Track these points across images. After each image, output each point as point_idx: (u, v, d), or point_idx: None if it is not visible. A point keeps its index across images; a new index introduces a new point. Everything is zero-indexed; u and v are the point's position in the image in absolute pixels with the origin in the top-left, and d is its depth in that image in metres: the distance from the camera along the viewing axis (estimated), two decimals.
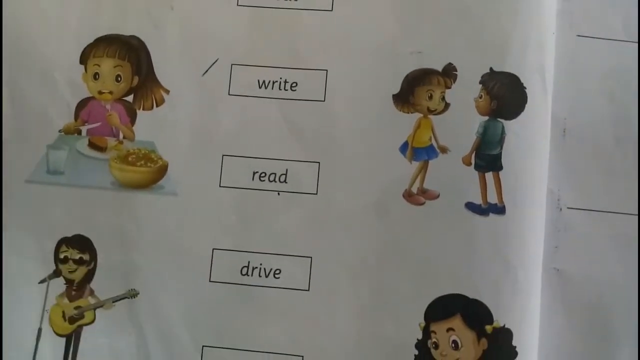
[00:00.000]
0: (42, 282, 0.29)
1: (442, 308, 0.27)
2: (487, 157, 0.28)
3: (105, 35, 0.30)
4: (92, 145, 0.30)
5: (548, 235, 0.28)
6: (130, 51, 0.30)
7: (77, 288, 0.29)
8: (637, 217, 0.29)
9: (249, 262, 0.29)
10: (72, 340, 0.29)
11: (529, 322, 0.27)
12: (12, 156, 0.30)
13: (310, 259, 0.29)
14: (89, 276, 0.29)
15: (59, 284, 0.29)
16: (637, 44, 0.30)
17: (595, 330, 0.28)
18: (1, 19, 0.30)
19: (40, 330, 0.29)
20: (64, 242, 0.29)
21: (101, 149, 0.30)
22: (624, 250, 0.29)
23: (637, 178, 0.29)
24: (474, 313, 0.27)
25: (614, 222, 0.29)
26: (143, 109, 0.30)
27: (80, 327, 0.29)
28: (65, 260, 0.29)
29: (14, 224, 0.29)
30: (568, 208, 0.29)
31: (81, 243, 0.29)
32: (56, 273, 0.29)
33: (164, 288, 0.28)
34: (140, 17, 0.30)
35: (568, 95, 0.29)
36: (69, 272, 0.29)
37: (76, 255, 0.29)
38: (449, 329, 0.27)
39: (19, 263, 0.29)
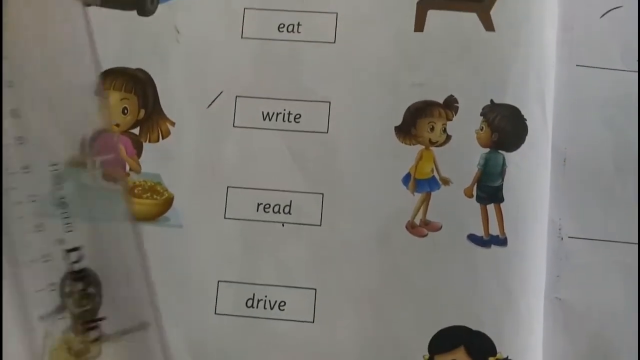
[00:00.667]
0: (47, 316, 0.30)
1: (446, 340, 0.28)
2: (489, 189, 0.29)
3: (112, 69, 0.31)
4: (106, 176, 0.30)
5: (550, 265, 0.29)
6: (136, 84, 0.31)
7: (83, 322, 0.29)
8: (637, 245, 0.29)
9: (254, 294, 0.29)
10: None
11: (532, 352, 0.28)
12: (19, 188, 0.30)
13: (314, 290, 0.29)
14: (95, 310, 0.30)
15: (64, 319, 0.30)
16: (636, 73, 0.31)
17: (597, 358, 0.29)
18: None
19: None
20: (70, 275, 0.30)
21: (115, 180, 0.30)
22: (625, 278, 0.29)
23: (638, 207, 0.30)
24: (478, 345, 0.27)
25: (615, 251, 0.29)
26: (149, 141, 0.30)
27: None
28: (71, 294, 0.30)
29: (19, 257, 0.30)
30: (569, 237, 0.30)
31: (86, 277, 0.30)
32: (62, 307, 0.30)
33: (171, 320, 0.29)
34: (146, 50, 0.31)
35: (568, 124, 0.30)
36: (75, 306, 0.30)
37: (81, 289, 0.30)
38: None
39: (23, 298, 0.30)
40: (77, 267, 0.29)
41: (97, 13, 0.31)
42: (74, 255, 0.29)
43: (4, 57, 0.29)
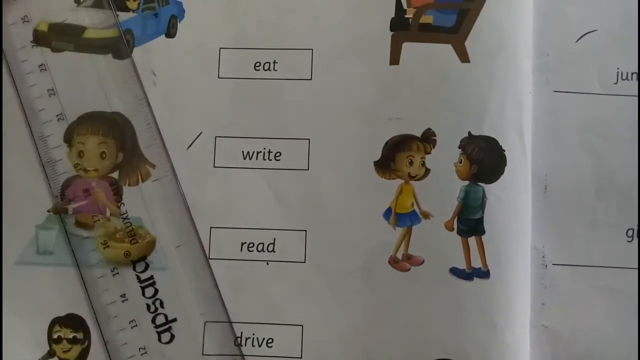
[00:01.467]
0: None
1: None
2: (469, 221, 0.29)
3: (89, 113, 0.31)
4: (78, 223, 0.31)
5: (534, 293, 0.29)
6: (114, 128, 0.31)
7: None
8: (621, 269, 0.30)
9: (242, 332, 0.30)
10: None
11: None
12: (1, 238, 0.31)
13: (301, 327, 0.30)
14: (84, 354, 0.30)
15: None
16: (613, 97, 0.31)
17: None
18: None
19: None
20: (57, 322, 0.30)
21: (88, 226, 0.31)
22: (610, 302, 0.30)
23: (620, 230, 0.30)
24: None
25: (599, 276, 0.30)
26: (129, 185, 0.31)
27: None
28: (59, 340, 0.30)
29: (5, 306, 0.30)
30: (553, 264, 0.30)
31: (74, 322, 0.30)
32: (50, 354, 0.30)
33: (166, 343, 0.30)
34: (123, 93, 0.31)
35: (548, 151, 0.30)
36: (63, 351, 0.30)
37: (70, 335, 0.30)
38: None
39: (11, 346, 0.30)
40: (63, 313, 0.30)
41: (72, 57, 0.31)
42: (59, 300, 0.30)
43: None
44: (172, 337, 0.30)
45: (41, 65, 0.31)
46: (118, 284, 0.30)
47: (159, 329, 0.30)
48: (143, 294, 0.30)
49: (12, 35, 0.31)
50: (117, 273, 0.30)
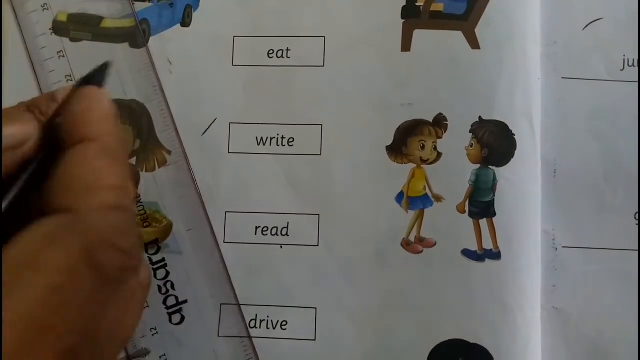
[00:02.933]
0: None
1: (444, 354, 0.29)
2: (480, 204, 0.30)
3: None
4: None
5: (545, 276, 0.30)
6: (131, 115, 0.32)
7: None
8: (630, 251, 0.31)
9: (256, 315, 0.31)
10: None
11: None
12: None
13: (315, 309, 0.30)
14: None
15: None
16: (619, 83, 0.32)
17: None
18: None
19: None
20: None
21: None
22: (619, 284, 0.30)
23: (628, 213, 0.31)
24: (476, 358, 0.29)
25: (609, 258, 0.31)
26: (146, 171, 0.32)
27: None
28: None
29: None
30: (563, 247, 0.31)
31: None
32: None
33: (175, 346, 0.30)
34: (139, 81, 0.32)
35: (556, 136, 0.31)
36: None
37: None
38: None
39: None
40: None
41: (90, 46, 0.32)
42: None
43: None
44: (183, 318, 0.31)
45: (59, 52, 0.32)
46: None
47: (170, 310, 0.31)
48: (155, 276, 0.31)
49: (32, 22, 0.32)
50: None
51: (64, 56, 0.32)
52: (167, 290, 0.31)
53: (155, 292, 0.31)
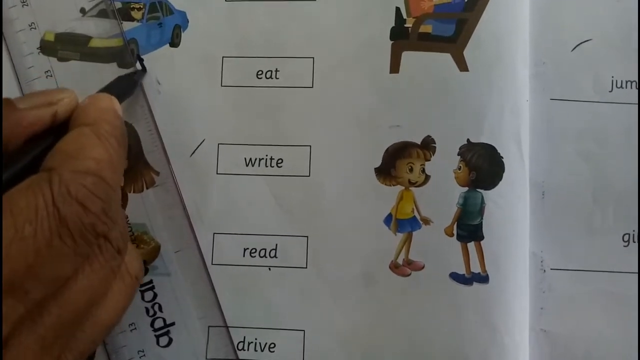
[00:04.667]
0: None
1: None
2: (468, 227, 0.30)
3: None
4: None
5: (533, 298, 0.31)
6: None
7: None
8: (619, 273, 0.31)
9: (244, 337, 0.31)
10: None
11: None
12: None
13: (303, 332, 0.31)
14: (90, 356, 0.31)
15: None
16: (608, 104, 0.32)
17: None
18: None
19: None
20: None
21: None
22: (607, 306, 0.31)
23: (617, 235, 0.31)
24: None
25: (597, 280, 0.31)
26: (134, 192, 0.32)
27: None
28: None
29: None
30: (552, 269, 0.31)
31: None
32: None
33: (164, 347, 0.31)
34: (127, 101, 0.32)
35: (545, 158, 0.32)
36: None
37: None
38: None
39: None
40: None
41: (77, 66, 0.33)
42: None
43: None
44: (170, 340, 0.31)
45: (47, 71, 0.33)
46: None
47: (158, 333, 0.31)
48: (142, 298, 0.31)
49: (20, 41, 0.32)
50: None
51: (51, 76, 0.32)
52: (155, 312, 0.31)
53: (143, 314, 0.31)
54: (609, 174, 0.32)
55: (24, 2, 0.33)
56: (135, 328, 0.31)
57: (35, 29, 0.33)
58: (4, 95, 0.31)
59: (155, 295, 0.31)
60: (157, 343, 0.31)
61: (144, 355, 0.31)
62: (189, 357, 0.31)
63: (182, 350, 0.31)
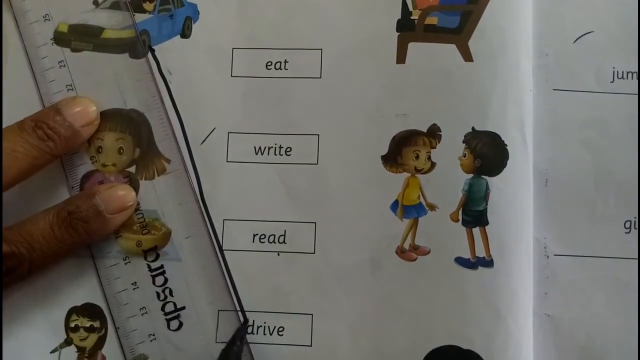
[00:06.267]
0: (54, 351, 0.32)
1: (438, 359, 0.30)
2: (473, 213, 0.31)
3: (106, 110, 0.33)
4: None
5: (537, 283, 0.32)
6: (131, 124, 0.33)
7: (89, 355, 0.32)
8: (620, 259, 0.32)
9: (253, 321, 0.32)
10: None
11: None
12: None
13: (311, 316, 0.32)
14: (100, 343, 0.32)
15: (71, 353, 0.32)
16: (610, 95, 0.33)
17: None
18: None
19: None
20: (74, 311, 0.32)
21: None
22: (609, 291, 0.32)
23: (618, 222, 0.32)
24: None
25: (599, 266, 0.32)
26: (145, 179, 0.33)
27: None
28: (76, 328, 0.32)
29: (24, 295, 0.32)
30: (555, 255, 0.32)
31: (91, 311, 0.32)
32: (67, 342, 0.32)
33: (173, 352, 0.32)
34: (139, 91, 0.34)
35: (548, 147, 0.33)
36: (80, 340, 0.32)
37: (87, 323, 0.32)
38: None
39: (30, 334, 0.32)
40: (80, 302, 0.32)
41: (90, 57, 0.34)
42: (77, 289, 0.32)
43: None
44: (181, 324, 0.32)
45: (60, 62, 0.34)
46: (129, 272, 0.32)
47: (168, 317, 0.32)
48: (153, 282, 0.32)
49: (34, 33, 0.34)
50: (129, 262, 0.32)
51: (64, 66, 0.34)
52: (166, 297, 0.32)
53: (154, 298, 0.32)
54: (610, 162, 0.33)
55: None
56: (147, 312, 0.32)
57: (49, 20, 0.34)
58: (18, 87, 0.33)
59: (166, 280, 0.32)
60: (168, 327, 0.32)
61: (155, 339, 0.32)
62: (200, 340, 0.32)
63: (192, 334, 0.32)
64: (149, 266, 0.32)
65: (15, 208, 0.32)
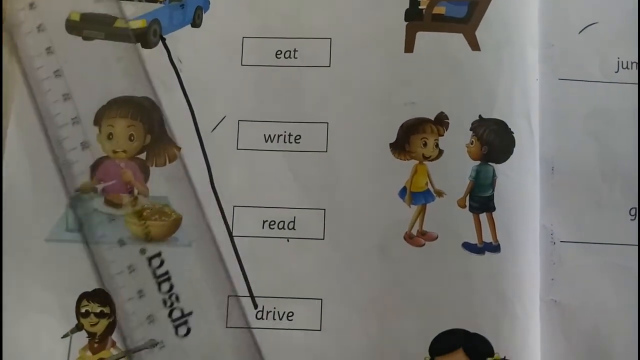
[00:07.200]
0: (64, 336, 0.32)
1: (445, 342, 0.31)
2: (480, 199, 0.32)
3: (118, 97, 0.34)
4: (108, 202, 0.34)
5: (544, 269, 0.32)
6: (142, 111, 0.34)
7: (99, 341, 0.32)
8: (626, 246, 0.33)
9: (263, 306, 0.33)
10: None
11: (530, 353, 0.31)
12: (31, 216, 0.33)
13: (320, 301, 0.32)
14: (110, 328, 0.32)
15: (81, 338, 0.32)
16: (614, 84, 0.34)
17: (594, 356, 0.32)
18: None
19: None
20: (85, 296, 0.33)
21: (117, 205, 0.33)
22: (615, 277, 0.33)
23: (624, 209, 0.33)
24: (476, 346, 0.30)
25: (605, 252, 0.33)
26: (156, 166, 0.34)
27: None
28: (87, 314, 0.33)
29: (36, 281, 0.33)
30: (561, 242, 0.33)
31: (101, 297, 0.33)
32: (78, 327, 0.33)
33: (183, 336, 0.32)
34: (151, 79, 0.34)
35: (554, 135, 0.34)
36: (91, 325, 0.32)
37: (97, 309, 0.33)
38: None
39: (41, 319, 0.33)
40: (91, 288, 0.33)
41: (103, 45, 0.35)
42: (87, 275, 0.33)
43: None
44: (189, 330, 0.32)
45: (56, 71, 0.34)
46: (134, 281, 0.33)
47: (176, 323, 0.32)
48: (159, 289, 0.32)
49: (29, 43, 0.34)
50: (134, 270, 0.33)
51: (60, 75, 0.34)
52: (172, 303, 0.32)
53: (161, 306, 0.32)
54: (615, 150, 0.34)
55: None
56: (143, 296, 0.33)
57: (43, 31, 0.34)
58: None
59: (172, 287, 0.33)
60: (176, 333, 0.32)
61: (164, 346, 0.32)
62: (210, 326, 0.32)
63: (203, 320, 0.32)
64: (154, 273, 0.33)
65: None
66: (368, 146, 0.33)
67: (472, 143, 0.33)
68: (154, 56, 0.34)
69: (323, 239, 0.33)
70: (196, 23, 0.35)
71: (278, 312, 0.32)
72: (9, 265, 0.33)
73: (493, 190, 0.32)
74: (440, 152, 0.33)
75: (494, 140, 0.32)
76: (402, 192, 0.33)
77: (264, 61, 0.34)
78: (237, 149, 0.34)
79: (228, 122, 0.34)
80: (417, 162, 0.33)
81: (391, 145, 0.33)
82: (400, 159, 0.33)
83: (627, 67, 0.34)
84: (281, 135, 0.34)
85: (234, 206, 0.33)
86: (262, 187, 0.33)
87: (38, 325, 0.32)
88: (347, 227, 0.33)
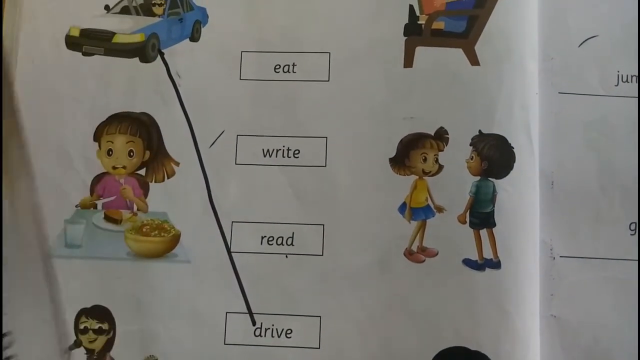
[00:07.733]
0: (64, 353, 0.33)
1: None
2: (481, 215, 0.32)
3: (117, 113, 0.34)
4: (107, 218, 0.34)
5: (543, 284, 0.32)
6: (141, 127, 0.34)
7: (98, 357, 0.32)
8: (625, 261, 0.33)
9: (261, 323, 0.33)
10: None
11: None
12: (31, 231, 0.33)
13: (319, 318, 0.32)
14: (109, 345, 0.33)
15: (80, 354, 0.32)
16: (614, 98, 0.34)
17: None
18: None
19: None
20: (84, 313, 0.33)
21: (116, 221, 0.34)
22: (615, 293, 0.33)
23: (624, 223, 0.33)
24: None
25: (604, 267, 0.33)
26: (155, 182, 0.34)
27: None
28: (85, 330, 0.33)
29: (34, 297, 0.33)
30: (561, 257, 0.33)
31: (100, 313, 0.33)
32: (77, 343, 0.33)
33: (181, 353, 0.32)
34: (149, 94, 0.34)
35: (554, 149, 0.34)
36: (89, 342, 0.32)
37: (95, 325, 0.33)
38: None
39: (39, 336, 0.32)
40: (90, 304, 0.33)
41: (102, 61, 0.35)
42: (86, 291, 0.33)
43: None
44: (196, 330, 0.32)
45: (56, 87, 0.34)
46: None
47: None
48: None
49: (27, 58, 0.34)
50: None
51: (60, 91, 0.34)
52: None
53: None
54: (615, 165, 0.34)
55: None
56: None
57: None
58: None
59: None
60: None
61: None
62: (208, 343, 0.32)
63: (201, 337, 0.32)
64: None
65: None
66: (367, 161, 0.33)
67: (472, 158, 0.33)
68: (153, 70, 0.34)
69: (322, 255, 0.33)
70: (195, 37, 0.35)
71: (276, 329, 0.32)
72: (8, 281, 0.33)
73: (493, 206, 0.32)
74: (440, 167, 0.33)
75: (494, 156, 0.32)
76: (402, 208, 0.33)
77: (263, 75, 0.34)
78: (236, 163, 0.34)
79: (226, 136, 0.34)
80: (416, 177, 0.33)
81: (391, 160, 0.33)
82: (400, 174, 0.33)
83: (627, 81, 0.34)
84: (280, 149, 0.34)
85: (233, 222, 0.33)
86: (260, 202, 0.33)
87: (36, 341, 0.32)
88: (346, 243, 0.33)
